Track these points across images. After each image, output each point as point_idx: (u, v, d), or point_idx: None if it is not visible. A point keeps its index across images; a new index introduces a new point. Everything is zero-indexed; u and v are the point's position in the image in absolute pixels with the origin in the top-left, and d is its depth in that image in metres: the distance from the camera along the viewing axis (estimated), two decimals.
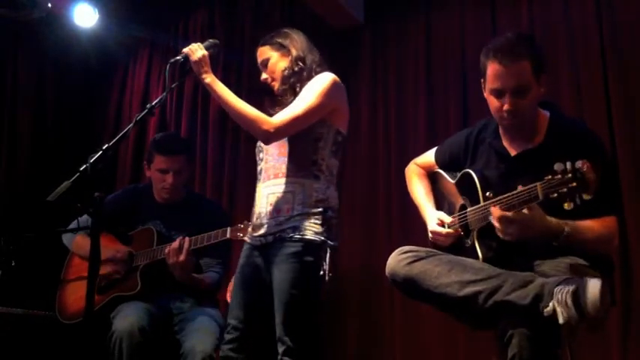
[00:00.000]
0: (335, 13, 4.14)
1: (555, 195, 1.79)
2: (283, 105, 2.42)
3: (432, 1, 4.08)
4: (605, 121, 3.33)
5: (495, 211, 1.97)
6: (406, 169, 2.71)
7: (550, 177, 1.81)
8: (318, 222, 2.34)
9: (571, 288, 1.82)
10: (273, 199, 2.39)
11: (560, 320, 1.81)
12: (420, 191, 2.57)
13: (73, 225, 3.14)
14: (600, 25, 3.44)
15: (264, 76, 2.57)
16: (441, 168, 2.55)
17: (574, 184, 1.74)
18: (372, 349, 3.81)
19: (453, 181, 2.42)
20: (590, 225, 2.03)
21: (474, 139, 2.40)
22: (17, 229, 3.59)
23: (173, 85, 2.35)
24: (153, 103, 2.26)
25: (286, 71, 2.50)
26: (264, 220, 2.39)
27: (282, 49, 2.54)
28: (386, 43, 4.18)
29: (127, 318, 2.86)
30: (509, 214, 1.93)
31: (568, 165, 1.77)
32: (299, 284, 2.29)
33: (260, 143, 2.49)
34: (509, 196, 1.97)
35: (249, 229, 2.49)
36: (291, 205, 2.35)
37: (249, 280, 2.44)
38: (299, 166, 2.39)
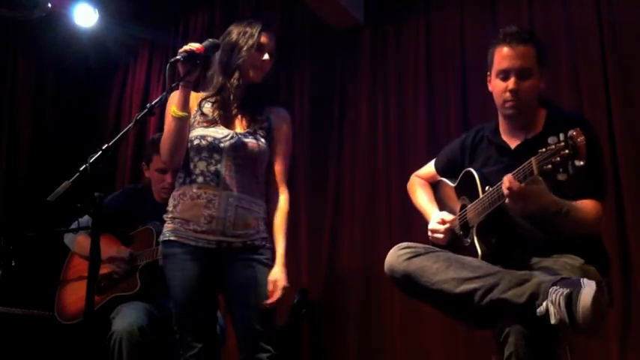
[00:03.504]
0: (335, 13, 4.14)
1: (549, 166, 1.79)
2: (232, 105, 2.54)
3: (431, 1, 4.07)
4: (605, 121, 3.33)
5: (509, 181, 1.94)
6: (408, 183, 2.73)
7: (544, 150, 1.82)
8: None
9: (565, 291, 1.82)
10: (242, 213, 2.46)
11: (553, 321, 1.81)
12: (423, 198, 2.60)
13: (74, 225, 3.14)
14: (600, 25, 3.44)
15: (266, 57, 2.55)
16: (442, 176, 2.57)
17: (566, 151, 1.75)
18: (372, 349, 3.80)
19: (453, 185, 2.44)
20: (582, 207, 2.07)
21: (471, 140, 2.44)
22: (17, 229, 3.59)
23: (173, 85, 2.34)
24: (153, 103, 2.24)
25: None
26: (228, 228, 2.43)
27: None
28: (386, 44, 4.18)
29: (127, 318, 2.87)
30: (521, 185, 1.92)
31: (561, 136, 1.78)
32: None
33: (219, 142, 2.48)
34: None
35: (182, 228, 2.46)
36: (257, 221, 2.51)
37: (201, 289, 2.45)
38: (261, 192, 2.56)
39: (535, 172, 1.85)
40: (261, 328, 2.41)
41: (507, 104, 2.24)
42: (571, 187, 1.90)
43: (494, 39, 2.29)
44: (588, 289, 1.80)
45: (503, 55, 2.23)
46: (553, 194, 2.00)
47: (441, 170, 2.59)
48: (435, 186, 2.63)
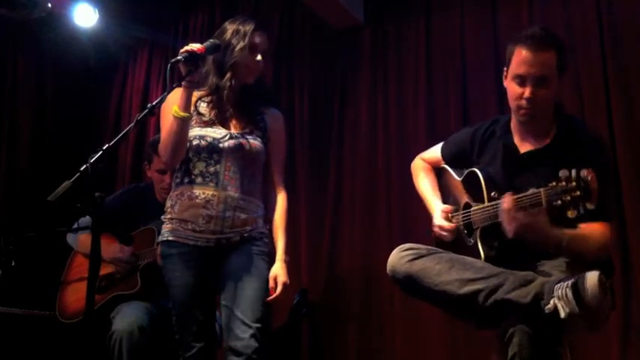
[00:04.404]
0: (335, 13, 4.14)
1: (559, 202, 1.79)
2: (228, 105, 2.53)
3: (431, 1, 4.08)
4: (605, 121, 3.33)
5: (506, 203, 1.94)
6: (412, 164, 2.70)
7: (554, 184, 1.80)
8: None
9: (570, 282, 1.83)
10: (241, 213, 2.46)
11: (562, 315, 1.81)
12: (426, 185, 2.56)
13: (75, 225, 3.15)
14: (600, 25, 3.44)
15: (259, 58, 2.54)
16: (447, 163, 2.54)
17: (578, 193, 1.74)
18: (372, 349, 3.80)
19: (458, 178, 2.41)
20: (586, 235, 2.04)
21: (482, 133, 2.40)
22: (17, 229, 3.60)
23: (174, 85, 2.34)
24: (153, 103, 2.24)
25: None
26: (226, 228, 2.44)
27: None
28: (386, 44, 4.18)
29: (127, 318, 2.87)
30: (514, 211, 1.92)
31: (573, 173, 1.76)
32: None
33: (218, 142, 2.48)
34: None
35: (180, 228, 2.46)
36: (255, 220, 2.52)
37: (200, 289, 2.46)
38: (259, 191, 2.56)
39: (544, 204, 1.85)
40: (251, 316, 2.37)
41: (521, 111, 2.18)
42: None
43: (516, 36, 2.20)
44: (592, 273, 1.82)
45: (522, 59, 2.14)
46: (554, 223, 1.97)
47: (447, 158, 2.54)
48: (439, 172, 2.59)
